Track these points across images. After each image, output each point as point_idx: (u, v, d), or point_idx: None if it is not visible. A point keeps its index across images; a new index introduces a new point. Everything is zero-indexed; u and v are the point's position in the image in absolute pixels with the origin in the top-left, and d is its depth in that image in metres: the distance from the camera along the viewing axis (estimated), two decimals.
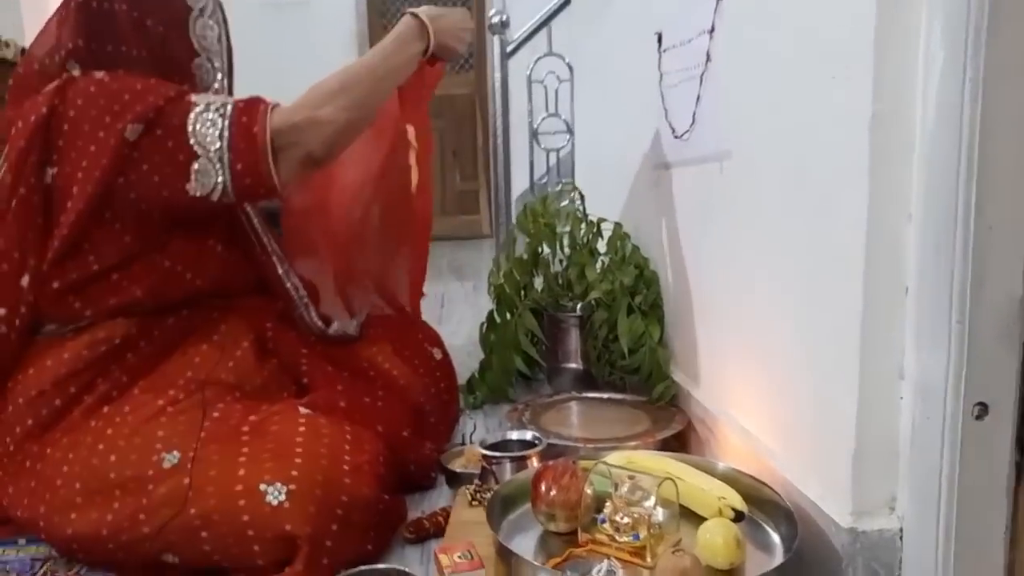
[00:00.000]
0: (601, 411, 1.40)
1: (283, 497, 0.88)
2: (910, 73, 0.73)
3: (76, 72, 1.07)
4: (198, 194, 1.01)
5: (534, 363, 1.67)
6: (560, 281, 1.64)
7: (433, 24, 1.17)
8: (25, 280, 1.03)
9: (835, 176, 0.81)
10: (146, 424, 0.99)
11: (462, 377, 1.53)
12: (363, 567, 0.83)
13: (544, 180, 3.84)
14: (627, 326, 1.44)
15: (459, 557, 0.80)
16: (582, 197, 1.65)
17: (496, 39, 3.52)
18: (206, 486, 0.90)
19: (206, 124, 1.01)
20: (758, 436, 1.04)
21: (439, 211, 6.25)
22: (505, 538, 0.86)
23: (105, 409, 1.03)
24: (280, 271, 1.23)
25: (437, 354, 1.44)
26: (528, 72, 3.91)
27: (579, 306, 1.56)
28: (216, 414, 1.00)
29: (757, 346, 1.05)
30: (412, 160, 1.38)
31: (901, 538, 0.78)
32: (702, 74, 1.20)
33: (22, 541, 1.04)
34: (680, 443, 1.29)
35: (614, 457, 0.97)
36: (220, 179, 1.01)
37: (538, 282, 1.65)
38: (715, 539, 0.78)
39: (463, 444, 1.29)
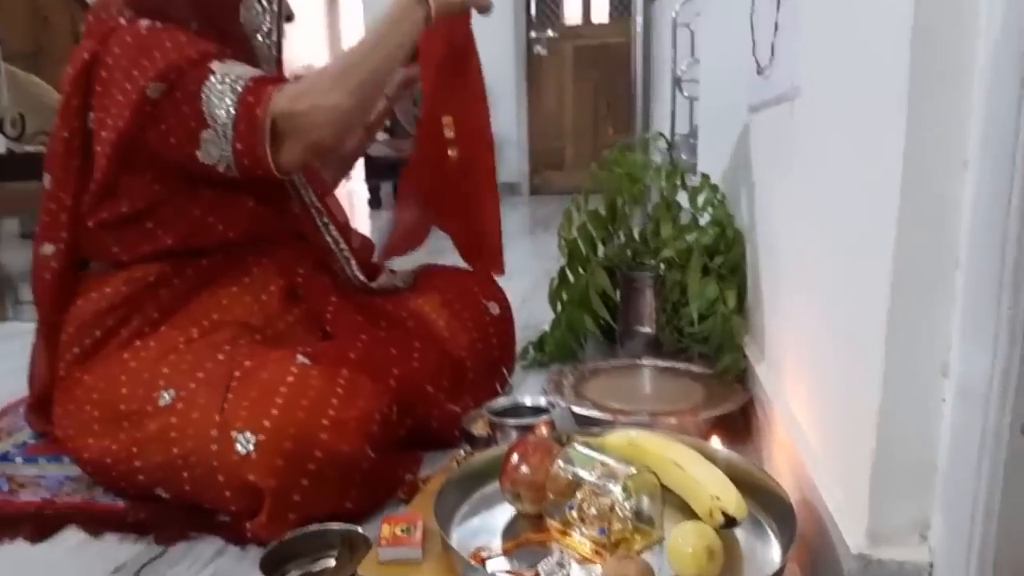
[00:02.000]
0: (656, 381, 1.27)
1: (251, 447, 0.85)
2: None
3: (128, 17, 1.08)
4: (206, 163, 1.01)
5: (609, 325, 1.55)
6: (639, 238, 1.50)
7: None
8: (63, 218, 1.08)
9: (874, 113, 0.63)
10: (159, 360, 1.01)
11: None
12: (312, 527, 0.79)
13: (688, 133, 3.58)
14: (699, 289, 1.29)
15: (400, 530, 0.73)
16: (669, 146, 1.49)
17: None
18: (187, 428, 0.90)
19: (217, 95, 0.99)
20: (802, 426, 0.87)
21: (589, 163, 6.12)
22: (468, 513, 0.79)
23: (137, 343, 1.06)
24: (319, 223, 1.21)
25: (493, 308, 1.37)
26: (674, 15, 3.65)
27: (654, 265, 1.41)
28: (221, 356, 0.99)
29: (805, 321, 0.87)
30: (451, 150, 1.30)
31: (931, 574, 0.62)
32: None
33: (65, 460, 1.11)
34: (738, 425, 1.14)
35: (614, 436, 0.85)
36: (225, 153, 1.00)
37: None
38: (684, 547, 0.66)
39: None
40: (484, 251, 1.43)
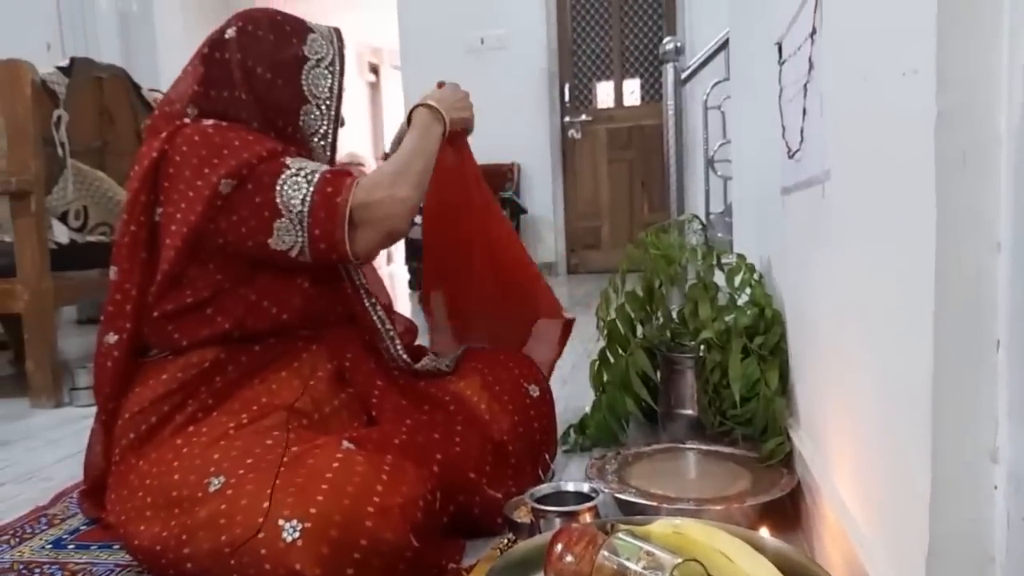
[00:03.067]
0: (700, 466, 1.25)
1: (297, 535, 0.86)
2: (988, 55, 0.56)
3: (193, 115, 1.17)
4: (279, 249, 1.09)
5: (651, 407, 1.54)
6: (677, 319, 1.50)
7: (441, 105, 1.27)
8: (128, 308, 1.13)
9: (904, 196, 0.65)
10: (211, 446, 1.03)
11: None
12: None
13: (723, 212, 3.62)
14: (740, 371, 1.28)
15: None
16: (704, 227, 1.51)
17: (671, 67, 3.39)
18: (236, 515, 0.91)
19: (293, 186, 1.08)
20: (852, 513, 0.85)
21: (627, 242, 6.17)
22: None
23: (190, 429, 1.10)
24: (367, 303, 1.25)
25: (534, 391, 1.38)
26: (704, 98, 3.74)
27: (694, 346, 1.41)
28: (269, 441, 1.01)
29: (849, 404, 0.87)
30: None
31: None
32: (806, 84, 1.04)
33: (117, 546, 1.13)
34: (786, 511, 1.11)
35: (660, 524, 0.84)
36: (299, 239, 1.09)
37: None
38: None
39: None
40: (541, 305, 1.54)
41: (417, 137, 1.23)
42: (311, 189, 1.08)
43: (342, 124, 1.24)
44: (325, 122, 1.21)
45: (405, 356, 1.27)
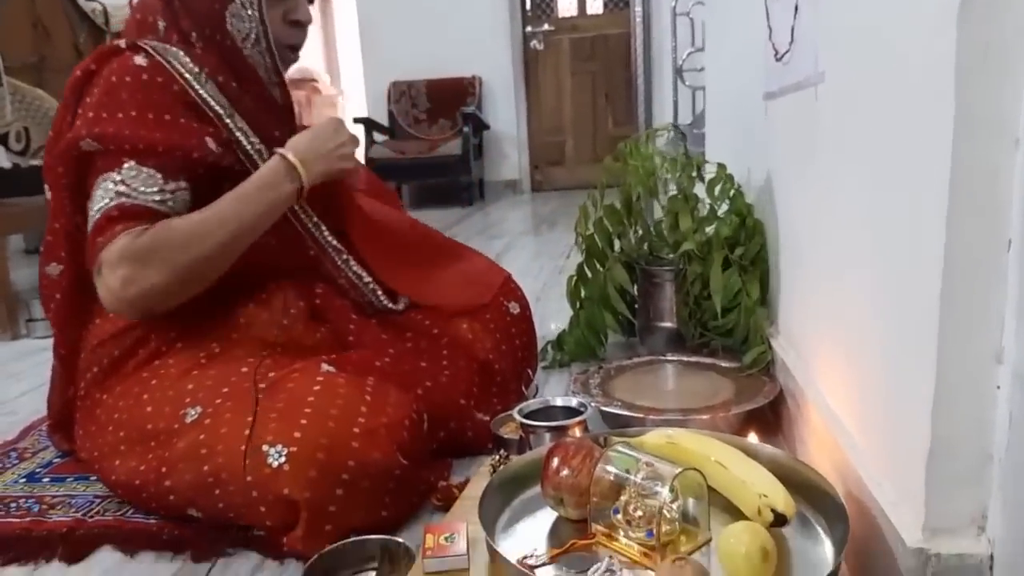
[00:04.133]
0: (683, 377, 1.25)
1: (283, 459, 0.84)
2: None
3: (162, 29, 1.07)
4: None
5: (629, 321, 1.54)
6: (656, 231, 1.48)
7: (306, 161, 1.05)
8: (64, 236, 1.07)
9: (919, 90, 0.62)
10: (182, 378, 1.00)
11: None
12: (351, 539, 0.78)
13: (691, 123, 3.57)
14: (721, 282, 1.27)
15: (444, 540, 0.72)
16: (683, 136, 1.47)
17: None
18: (217, 444, 0.89)
19: (100, 191, 0.99)
20: (840, 418, 0.86)
21: (591, 158, 6.08)
22: (510, 520, 0.77)
23: (155, 362, 1.05)
24: (338, 262, 1.18)
25: (514, 308, 1.36)
26: (673, 4, 3.62)
27: (673, 259, 1.40)
28: (245, 369, 0.98)
29: (842, 308, 0.86)
30: None
31: (991, 568, 0.60)
32: None
33: (93, 477, 1.10)
34: (768, 418, 1.12)
35: (653, 436, 0.84)
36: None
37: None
38: (737, 547, 0.64)
39: None
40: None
41: (244, 198, 1.02)
42: (101, 208, 0.98)
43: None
44: (253, 24, 1.06)
45: (388, 304, 1.22)
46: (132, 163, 0.98)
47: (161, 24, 1.08)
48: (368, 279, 1.20)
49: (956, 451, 0.61)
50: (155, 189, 0.99)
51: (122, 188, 0.98)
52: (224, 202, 1.01)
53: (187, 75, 1.03)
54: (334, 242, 1.17)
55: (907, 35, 0.64)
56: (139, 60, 1.02)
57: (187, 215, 1.00)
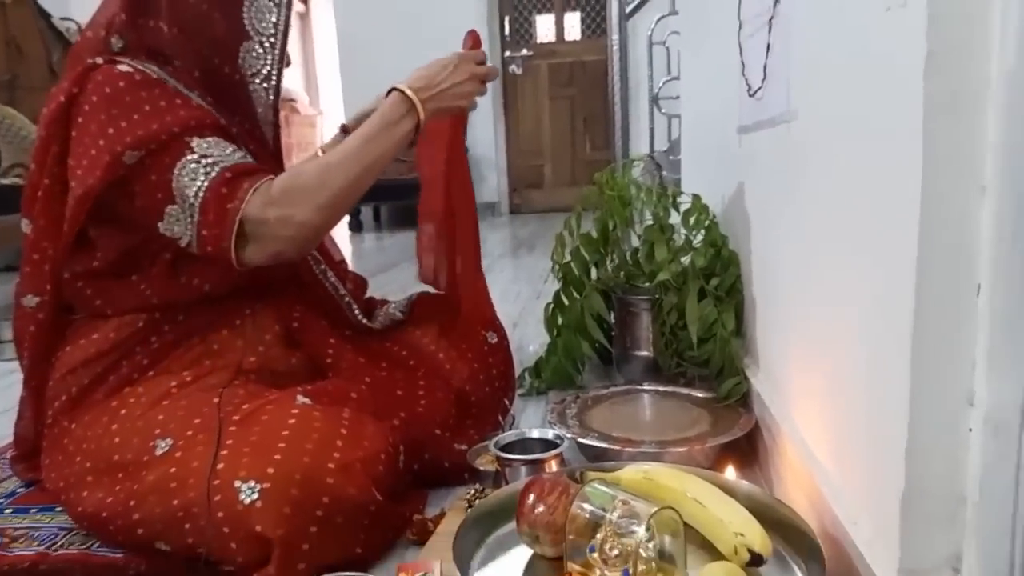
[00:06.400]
0: (658, 407, 1.25)
1: (255, 496, 0.82)
2: None
3: (118, 48, 1.05)
4: (167, 234, 0.99)
5: (606, 348, 1.54)
6: (632, 260, 1.49)
7: (422, 95, 1.06)
8: (47, 268, 1.05)
9: (889, 137, 0.63)
10: (152, 408, 0.98)
11: None
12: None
13: (667, 150, 3.61)
14: (697, 312, 1.28)
15: None
16: (658, 167, 1.49)
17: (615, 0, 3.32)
18: (188, 478, 0.87)
19: (190, 174, 0.96)
20: (816, 454, 0.86)
21: (569, 182, 6.13)
22: (485, 558, 0.77)
23: (125, 390, 1.03)
24: (316, 271, 1.18)
25: (492, 337, 1.35)
26: (649, 33, 3.68)
27: (650, 288, 1.40)
28: (216, 399, 0.96)
29: (816, 343, 0.87)
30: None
31: None
32: (771, 19, 1.01)
33: (59, 508, 1.07)
34: (743, 450, 1.13)
35: (629, 471, 0.84)
36: (188, 232, 0.98)
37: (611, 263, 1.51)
38: None
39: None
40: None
41: (367, 137, 1.03)
42: (206, 183, 0.95)
43: (287, 64, 1.11)
44: (269, 61, 1.07)
45: (364, 320, 1.22)
46: (195, 139, 0.97)
47: (117, 43, 1.05)
48: (343, 291, 1.20)
49: (930, 492, 0.61)
50: (232, 149, 0.99)
51: (209, 159, 0.96)
52: (350, 142, 1.03)
53: (171, 80, 1.02)
54: (314, 251, 1.17)
55: (876, 82, 0.65)
56: (123, 67, 1.00)
57: (311, 160, 1.01)
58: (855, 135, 0.71)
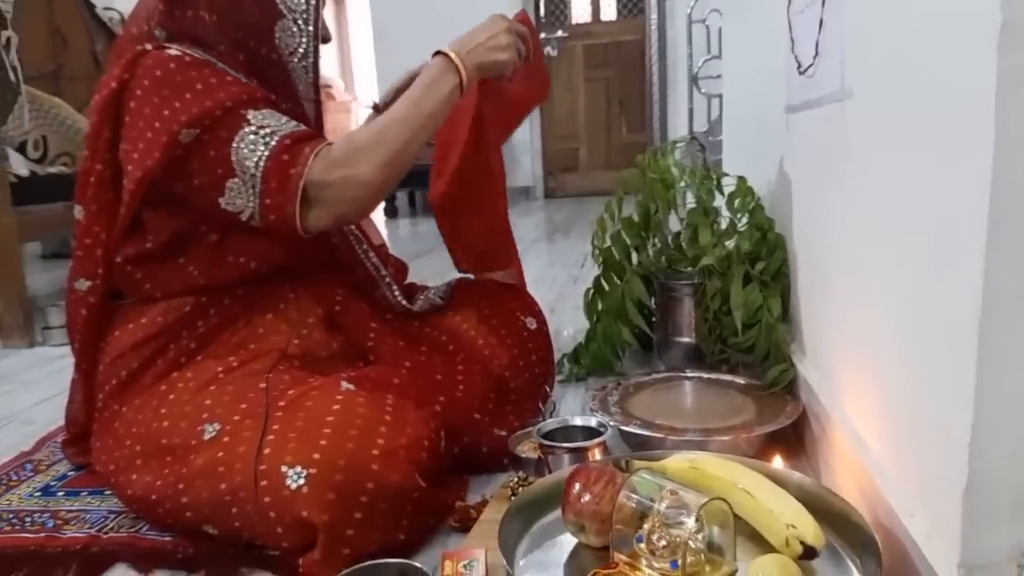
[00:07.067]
0: (703, 395, 1.23)
1: (302, 481, 0.83)
2: None
3: (162, 38, 1.06)
4: (229, 210, 0.99)
5: (647, 335, 1.52)
6: (674, 245, 1.47)
7: (461, 54, 1.08)
8: (99, 252, 1.06)
9: (955, 116, 0.60)
10: (200, 392, 0.99)
11: None
12: (367, 563, 0.77)
13: (706, 131, 3.55)
14: (742, 297, 1.25)
15: (463, 567, 0.71)
16: (702, 148, 1.45)
17: None
18: (235, 463, 0.88)
19: (249, 145, 0.97)
20: (868, 443, 0.84)
21: (604, 165, 6.07)
22: (530, 546, 0.76)
23: (174, 375, 1.05)
24: (359, 251, 1.19)
25: (531, 323, 1.34)
26: (688, 11, 3.61)
27: (692, 273, 1.38)
28: (263, 385, 0.97)
29: (870, 330, 0.84)
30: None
31: None
32: None
33: (108, 491, 1.09)
34: (790, 439, 1.10)
35: (675, 460, 0.82)
36: (251, 204, 0.99)
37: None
38: None
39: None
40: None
41: (414, 99, 1.05)
42: (267, 153, 0.96)
43: (326, 40, 1.11)
44: (304, 39, 1.07)
45: (404, 301, 1.22)
46: (250, 111, 0.98)
47: (160, 33, 1.05)
48: (384, 272, 1.21)
49: (994, 485, 0.59)
50: (287, 120, 1.01)
51: (267, 129, 0.98)
52: (398, 106, 1.06)
53: (218, 63, 1.02)
54: (355, 230, 1.17)
55: (943, 58, 0.62)
56: (172, 51, 1.01)
57: (362, 126, 1.04)
58: (917, 114, 0.68)
